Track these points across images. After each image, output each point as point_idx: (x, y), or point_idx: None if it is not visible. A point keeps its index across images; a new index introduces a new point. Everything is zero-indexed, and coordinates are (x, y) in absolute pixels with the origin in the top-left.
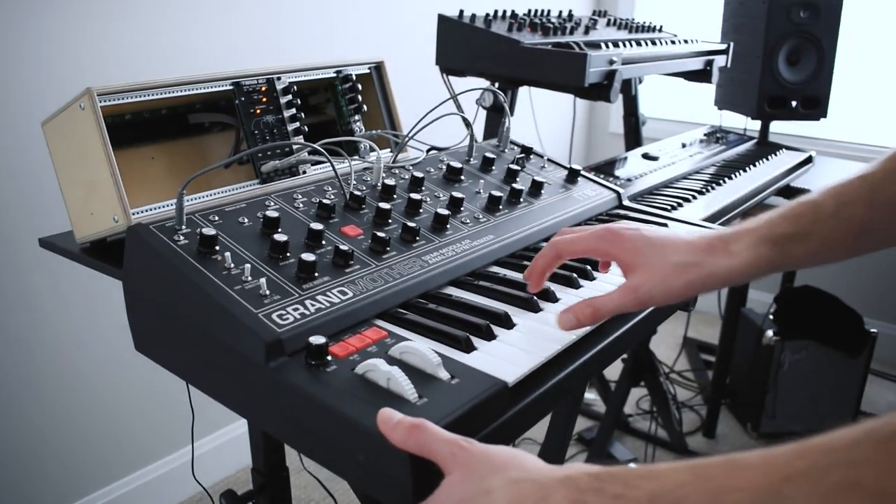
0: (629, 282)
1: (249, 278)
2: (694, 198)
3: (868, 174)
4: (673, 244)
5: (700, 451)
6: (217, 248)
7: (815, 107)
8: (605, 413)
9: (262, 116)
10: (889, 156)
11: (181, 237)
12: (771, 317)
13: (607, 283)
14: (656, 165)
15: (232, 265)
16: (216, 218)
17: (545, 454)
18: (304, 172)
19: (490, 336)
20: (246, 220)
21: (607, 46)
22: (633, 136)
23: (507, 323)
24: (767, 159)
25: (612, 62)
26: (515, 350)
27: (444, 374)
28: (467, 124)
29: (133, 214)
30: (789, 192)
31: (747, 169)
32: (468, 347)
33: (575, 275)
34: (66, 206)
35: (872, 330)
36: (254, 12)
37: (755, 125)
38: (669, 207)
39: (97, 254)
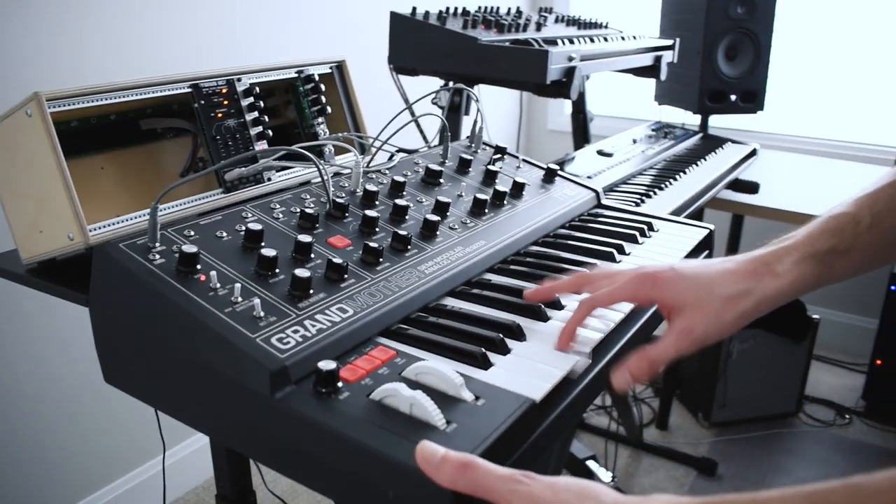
0: (680, 324)
1: (240, 299)
2: (654, 194)
3: None
4: (716, 277)
5: (655, 443)
6: (199, 266)
7: (752, 100)
8: None
9: (224, 120)
10: None
11: (157, 256)
12: None
13: None
14: (612, 162)
15: (218, 285)
16: (191, 233)
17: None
18: (269, 179)
19: (505, 350)
20: (225, 234)
21: (563, 43)
22: (582, 133)
23: (520, 335)
24: (715, 153)
25: (571, 59)
26: (534, 363)
27: (468, 396)
28: (444, 126)
29: (90, 231)
30: (738, 184)
31: (699, 163)
32: (486, 364)
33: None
34: (8, 224)
35: (815, 316)
36: (204, 12)
37: (693, 119)
38: (633, 204)
39: (47, 275)
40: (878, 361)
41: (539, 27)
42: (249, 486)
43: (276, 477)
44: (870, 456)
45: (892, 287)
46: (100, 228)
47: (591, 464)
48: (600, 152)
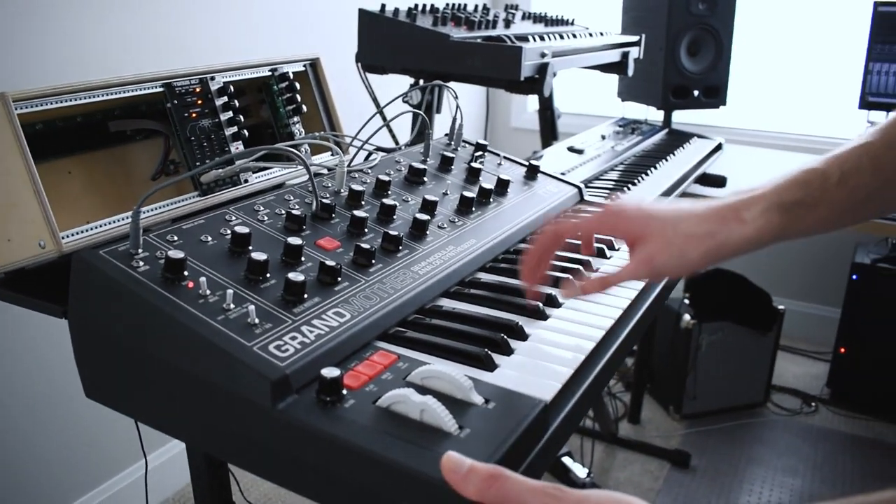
0: (642, 252)
1: (232, 306)
2: (628, 189)
3: (868, 143)
4: (683, 215)
5: (628, 437)
6: (186, 273)
7: (715, 95)
8: None
9: (198, 121)
10: (887, 124)
11: (140, 262)
12: (686, 301)
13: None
14: (583, 159)
15: (208, 292)
16: (175, 238)
17: None
18: (246, 181)
19: (508, 350)
20: (210, 239)
21: (534, 40)
22: (550, 130)
23: (521, 334)
24: (683, 148)
25: (543, 55)
26: (539, 363)
27: (478, 399)
28: (424, 124)
29: (62, 239)
30: (706, 179)
31: (668, 158)
32: (491, 365)
33: (570, 277)
34: None
35: (780, 307)
36: (172, 11)
37: (655, 115)
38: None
39: (16, 286)
40: (842, 349)
41: (508, 24)
42: (229, 497)
43: (251, 485)
44: (836, 442)
45: (854, 276)
46: (72, 235)
47: (566, 460)
48: (571, 149)
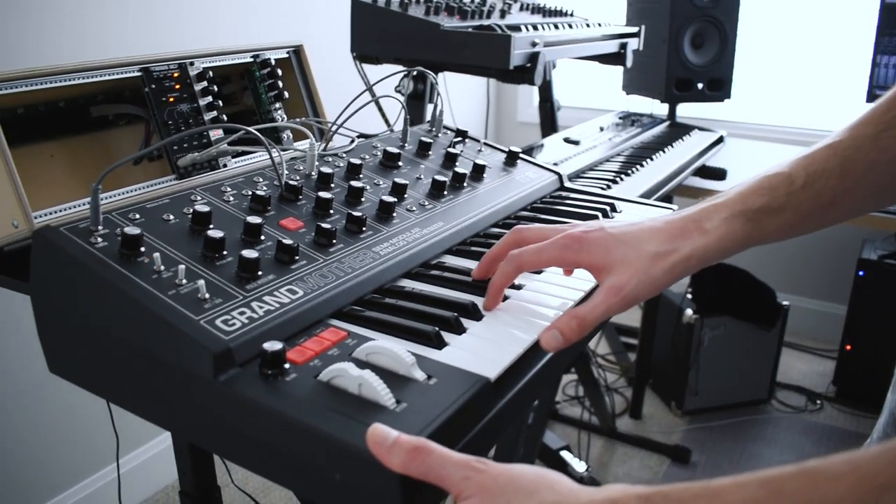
0: (610, 282)
1: (184, 281)
2: (621, 179)
3: (836, 143)
4: (643, 235)
5: (628, 432)
6: (143, 249)
7: (719, 88)
8: (539, 402)
9: (176, 105)
10: (855, 123)
11: (99, 239)
12: (689, 296)
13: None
14: (578, 149)
15: (162, 268)
16: (137, 216)
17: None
18: (225, 166)
19: (460, 329)
20: (172, 217)
21: (527, 29)
22: (549, 122)
23: (475, 314)
24: (682, 140)
25: (534, 44)
26: (489, 342)
27: (419, 375)
28: (404, 109)
29: (36, 218)
30: (705, 171)
31: (665, 150)
32: (440, 343)
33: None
34: None
35: (785, 303)
36: None
37: (660, 109)
38: (600, 190)
39: None
40: (848, 347)
41: (503, 14)
42: (214, 481)
43: (247, 474)
44: (841, 440)
45: (860, 273)
46: (46, 215)
47: (564, 454)
48: (567, 140)
